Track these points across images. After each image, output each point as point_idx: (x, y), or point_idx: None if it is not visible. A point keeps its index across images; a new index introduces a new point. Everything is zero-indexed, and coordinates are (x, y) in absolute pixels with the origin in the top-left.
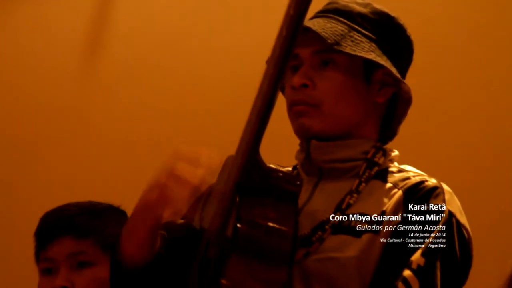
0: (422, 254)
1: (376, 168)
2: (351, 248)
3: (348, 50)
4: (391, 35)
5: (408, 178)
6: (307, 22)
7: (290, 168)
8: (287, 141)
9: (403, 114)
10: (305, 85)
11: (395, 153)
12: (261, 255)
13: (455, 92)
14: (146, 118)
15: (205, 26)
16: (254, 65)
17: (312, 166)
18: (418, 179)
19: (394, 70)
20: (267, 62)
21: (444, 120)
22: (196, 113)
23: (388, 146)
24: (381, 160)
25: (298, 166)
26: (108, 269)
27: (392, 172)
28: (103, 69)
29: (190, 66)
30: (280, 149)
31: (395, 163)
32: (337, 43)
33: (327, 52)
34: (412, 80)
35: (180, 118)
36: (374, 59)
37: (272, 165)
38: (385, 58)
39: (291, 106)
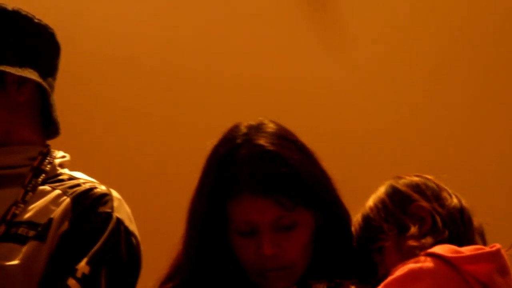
0: (88, 262)
1: (43, 176)
2: (16, 256)
3: None
4: (14, 30)
5: (78, 185)
6: None
7: None
8: None
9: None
10: None
11: (66, 158)
12: None
13: None
14: None
15: None
16: None
17: None
18: (87, 186)
19: (9, 69)
20: None
21: None
22: None
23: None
24: (48, 167)
25: None
26: None
27: (62, 180)
28: None
29: None
30: None
31: (66, 170)
32: None
33: None
34: None
35: None
36: None
37: None
38: None
39: None
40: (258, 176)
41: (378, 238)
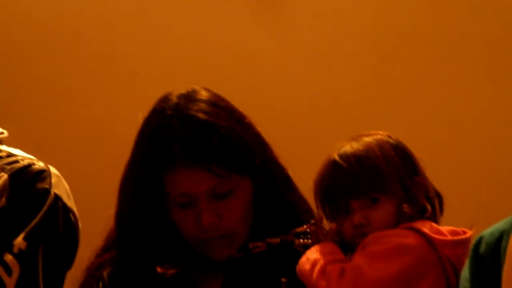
0: (24, 238)
1: None
2: None
3: None
4: None
5: (16, 161)
6: None
7: None
8: None
9: None
10: None
11: (4, 134)
12: None
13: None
14: None
15: None
16: None
17: None
18: (25, 162)
19: None
20: None
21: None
22: None
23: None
24: None
25: None
26: None
27: (0, 156)
28: None
29: None
30: None
31: (4, 146)
32: None
33: None
34: None
35: None
36: None
37: None
38: None
39: None
40: (189, 147)
41: (376, 188)
